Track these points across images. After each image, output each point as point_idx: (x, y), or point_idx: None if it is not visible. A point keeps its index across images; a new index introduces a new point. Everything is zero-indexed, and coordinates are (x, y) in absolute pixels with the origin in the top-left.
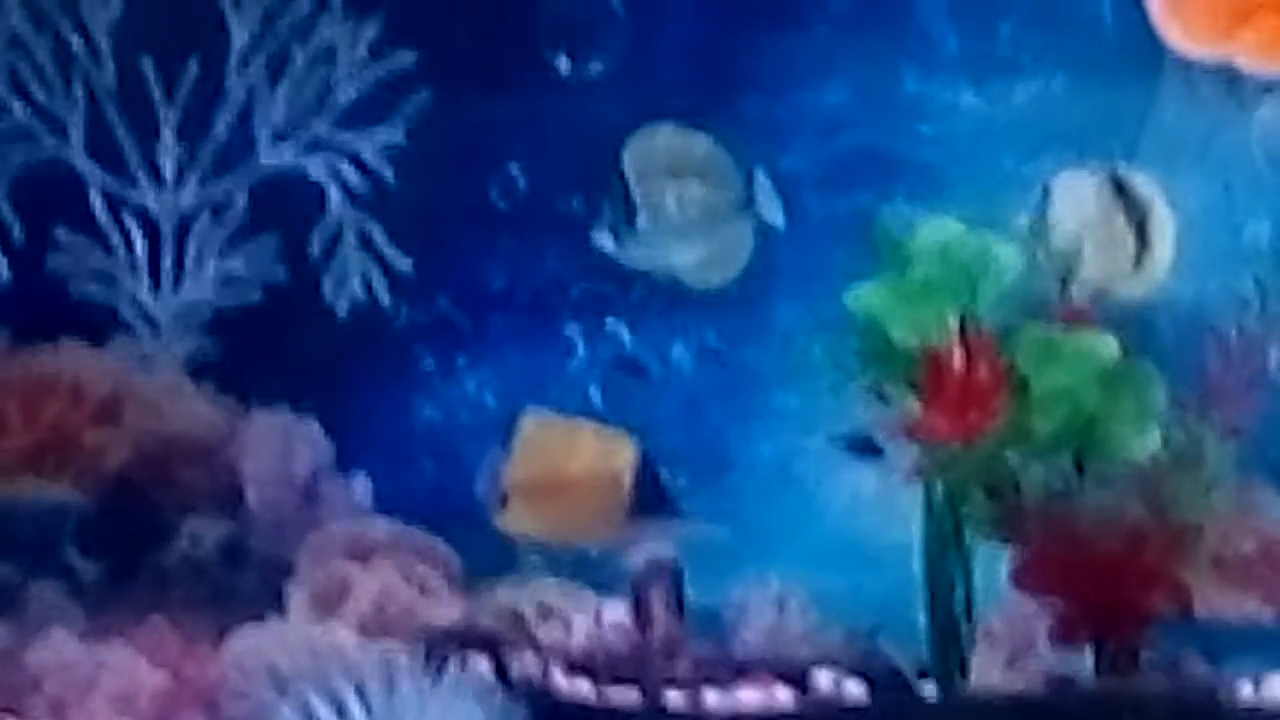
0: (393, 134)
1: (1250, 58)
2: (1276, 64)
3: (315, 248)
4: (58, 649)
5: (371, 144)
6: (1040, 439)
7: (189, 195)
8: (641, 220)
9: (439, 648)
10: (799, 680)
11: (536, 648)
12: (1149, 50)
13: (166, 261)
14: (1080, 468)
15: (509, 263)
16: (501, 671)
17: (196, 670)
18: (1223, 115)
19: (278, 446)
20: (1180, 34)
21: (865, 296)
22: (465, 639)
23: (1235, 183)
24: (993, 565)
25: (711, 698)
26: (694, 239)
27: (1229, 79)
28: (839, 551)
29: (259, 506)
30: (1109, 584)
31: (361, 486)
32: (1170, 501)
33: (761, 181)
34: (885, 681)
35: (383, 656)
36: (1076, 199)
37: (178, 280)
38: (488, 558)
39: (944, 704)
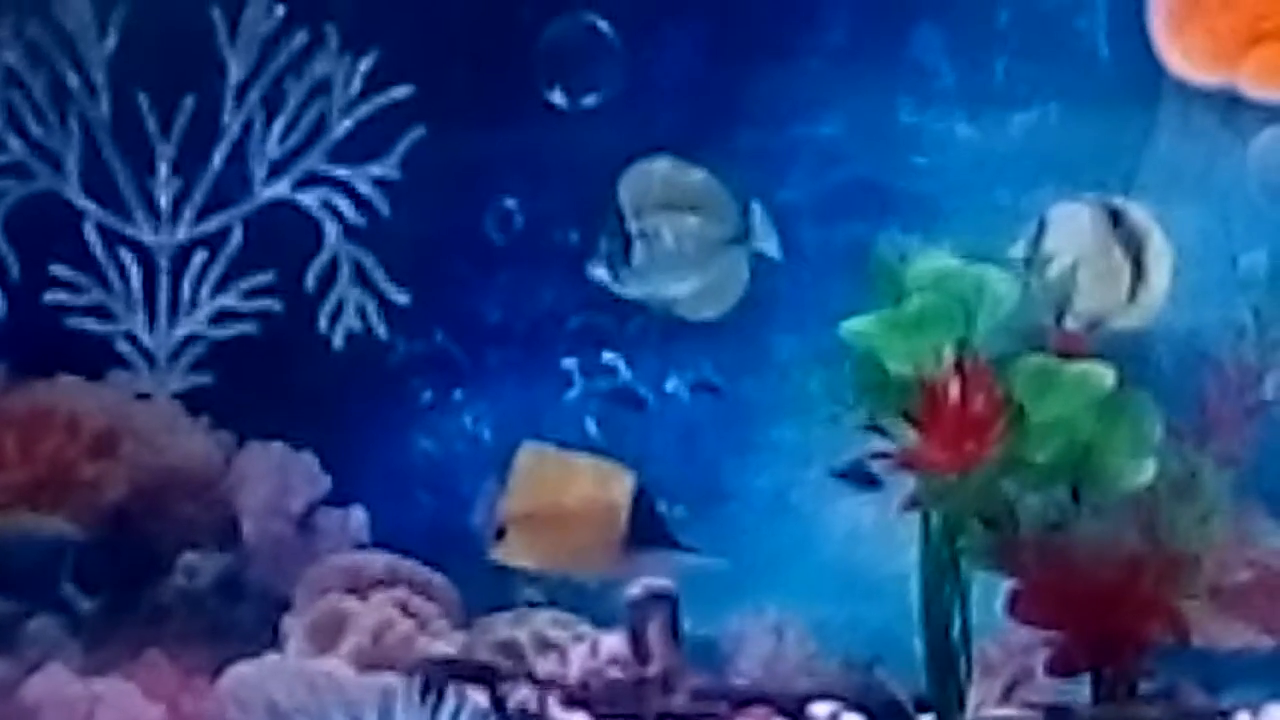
0: (388, 168)
1: (1253, 84)
2: (1275, 91)
3: (311, 281)
4: (55, 683)
5: (367, 178)
6: (1037, 469)
7: (185, 229)
8: (637, 253)
9: (436, 680)
10: (796, 712)
11: (534, 680)
12: (1144, 81)
13: (162, 296)
14: (1077, 498)
15: (505, 296)
16: (499, 704)
17: (194, 704)
18: (1219, 146)
19: (274, 480)
20: (1182, 60)
21: (861, 328)
22: (462, 671)
23: (1231, 213)
24: (990, 595)
25: None
26: (690, 271)
27: (1225, 110)
28: (836, 582)
29: (255, 540)
30: (1106, 614)
31: (358, 519)
32: (1167, 531)
33: (757, 213)
34: (883, 713)
35: (380, 689)
36: (1072, 230)
37: (174, 314)
38: (485, 590)
39: None
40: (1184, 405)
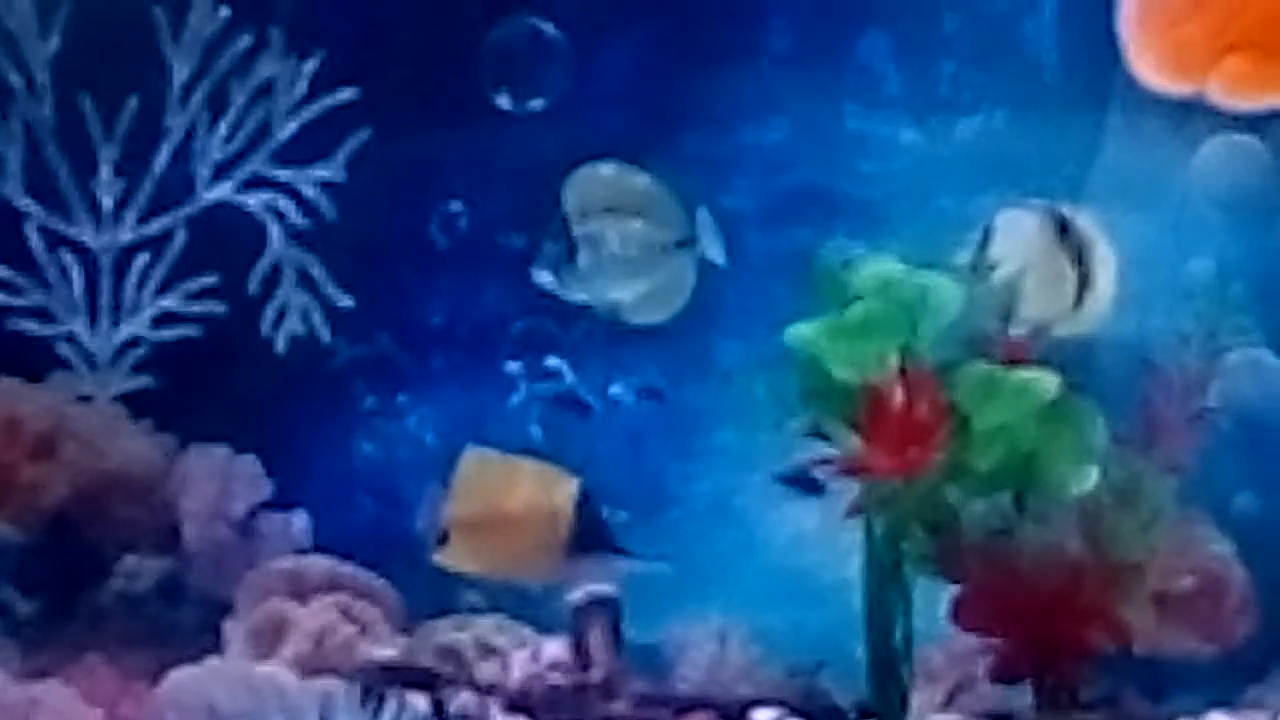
0: (333, 170)
1: (1222, 94)
2: (1245, 101)
3: (254, 284)
4: None
5: (311, 180)
6: (980, 476)
7: (127, 231)
8: (582, 257)
9: (377, 685)
10: (739, 718)
11: (475, 686)
12: (1091, 88)
13: (104, 298)
14: (1020, 504)
15: (449, 299)
16: (440, 709)
17: (133, 709)
18: (1164, 154)
19: (216, 483)
20: (1153, 70)
21: (806, 334)
22: (404, 677)
23: (1177, 220)
24: (933, 602)
25: None
26: (635, 276)
27: (1171, 117)
28: (779, 588)
29: (197, 544)
30: (1049, 620)
31: (300, 524)
32: (1110, 538)
33: (703, 219)
34: (825, 719)
35: (321, 694)
36: (1018, 236)
37: (116, 316)
38: (427, 595)
39: None
40: (1128, 412)
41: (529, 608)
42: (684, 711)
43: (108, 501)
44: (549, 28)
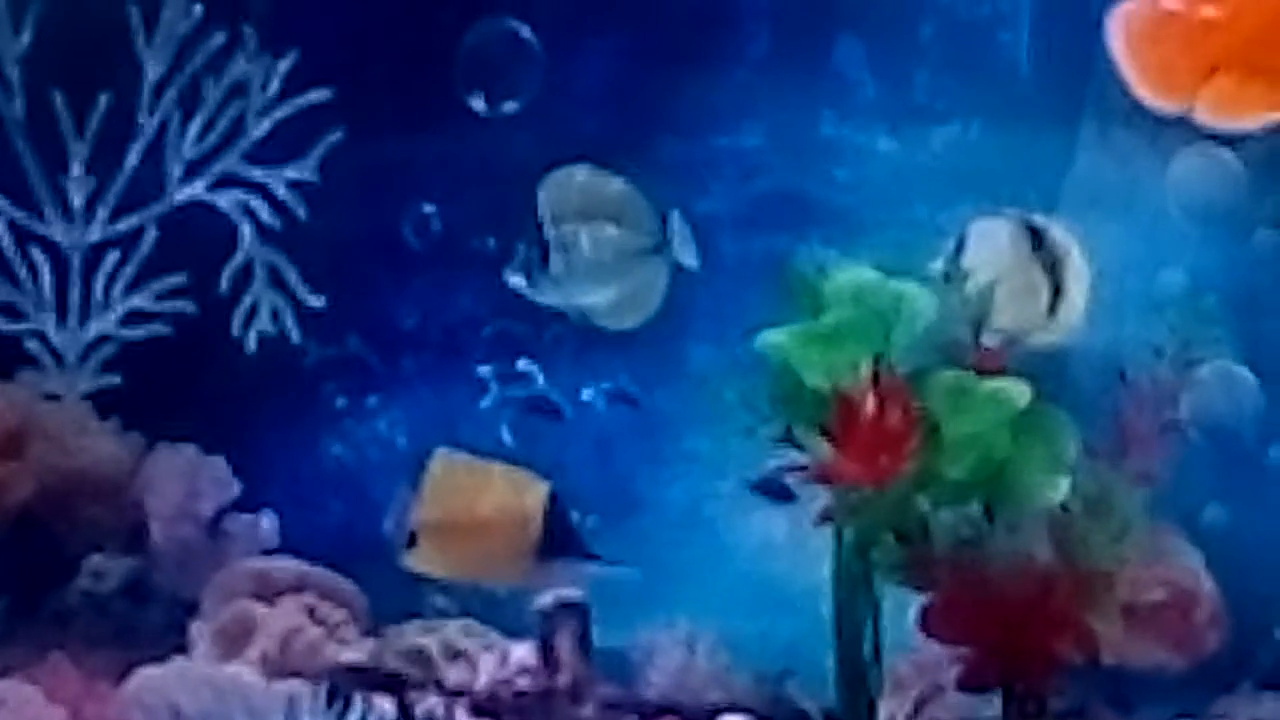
0: (305, 170)
1: (1210, 114)
2: (1232, 121)
3: (225, 284)
4: None
5: (284, 180)
6: (951, 485)
7: (98, 229)
8: (555, 261)
9: (344, 687)
10: None
11: (442, 689)
12: (1066, 98)
13: (74, 295)
14: (990, 514)
15: (421, 301)
16: (406, 712)
17: (97, 709)
18: (1138, 165)
19: (183, 483)
20: (1142, 86)
21: (778, 340)
22: (370, 679)
23: (1150, 231)
24: (902, 611)
25: None
26: (608, 280)
27: (1145, 129)
28: (748, 595)
29: (163, 543)
30: (1018, 630)
31: (268, 525)
32: (1080, 549)
33: (676, 224)
34: None
35: (287, 696)
36: (992, 245)
37: (85, 314)
38: (395, 598)
39: None
40: (1100, 423)
41: (497, 611)
42: (651, 717)
43: (75, 500)
44: (524, 30)
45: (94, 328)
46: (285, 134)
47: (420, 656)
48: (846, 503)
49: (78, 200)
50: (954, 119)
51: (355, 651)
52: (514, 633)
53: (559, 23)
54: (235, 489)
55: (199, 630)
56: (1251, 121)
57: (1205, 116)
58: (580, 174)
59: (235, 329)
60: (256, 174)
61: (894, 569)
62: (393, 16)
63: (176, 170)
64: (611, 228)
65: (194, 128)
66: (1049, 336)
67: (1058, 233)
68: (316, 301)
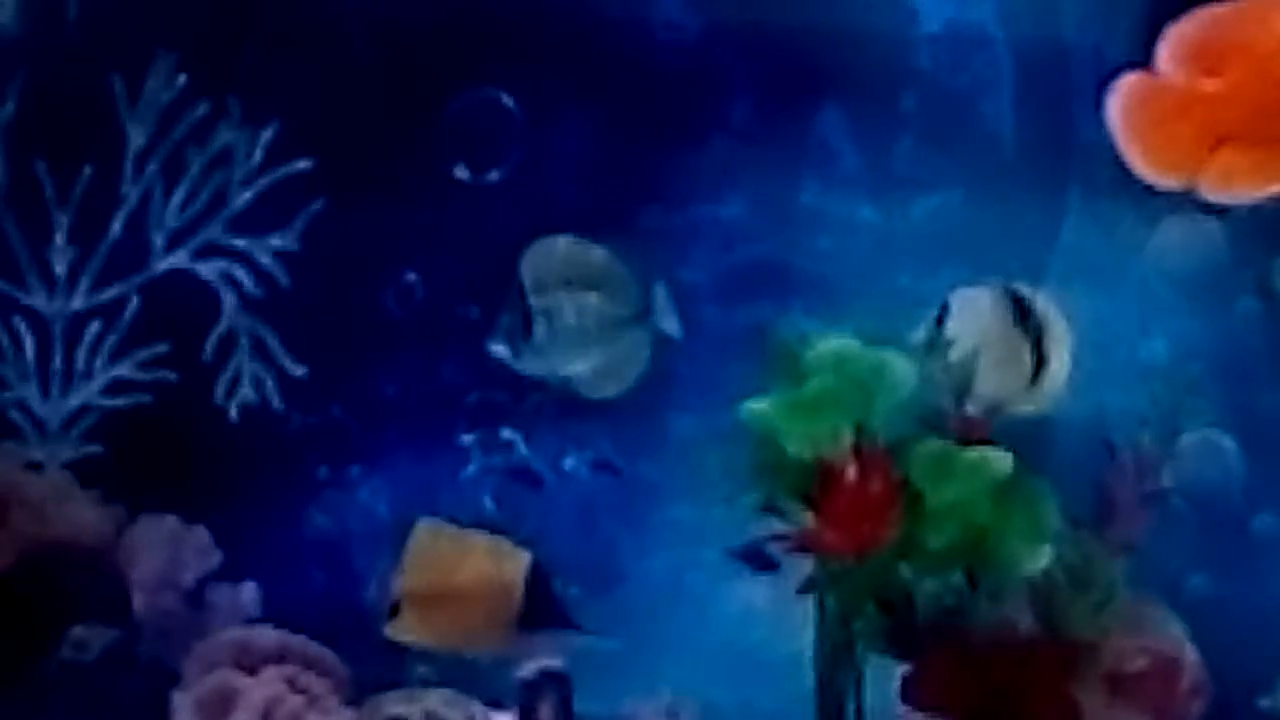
0: (288, 240)
1: (1214, 188)
2: (1238, 194)
3: (208, 353)
4: None
5: (267, 249)
6: (933, 554)
7: (80, 298)
8: (538, 330)
9: None
10: None
11: None
12: (1049, 167)
13: (56, 364)
14: (973, 583)
15: (404, 371)
16: None
17: None
18: (1120, 234)
19: (165, 553)
20: (1143, 165)
21: (760, 409)
22: None
23: (1133, 300)
24: (884, 679)
25: None
26: (590, 349)
27: (1128, 198)
28: (731, 664)
29: (145, 613)
30: (1000, 700)
31: (250, 594)
32: (1063, 618)
33: (659, 293)
34: None
35: None
36: (974, 314)
37: (67, 383)
38: (377, 668)
39: None
40: (1082, 492)
41: (479, 681)
42: None
43: (56, 570)
44: (507, 100)
45: (76, 397)
46: (268, 203)
47: None
48: (829, 572)
49: (60, 269)
50: (936, 188)
51: None
52: (496, 702)
53: (542, 92)
54: (217, 558)
55: (180, 701)
56: (1258, 193)
57: (1210, 190)
58: (563, 243)
59: (218, 398)
60: (239, 243)
61: (876, 638)
62: (376, 86)
63: (159, 240)
64: (594, 297)
65: (177, 197)
66: (1031, 406)
67: (1040, 302)
68: (299, 371)
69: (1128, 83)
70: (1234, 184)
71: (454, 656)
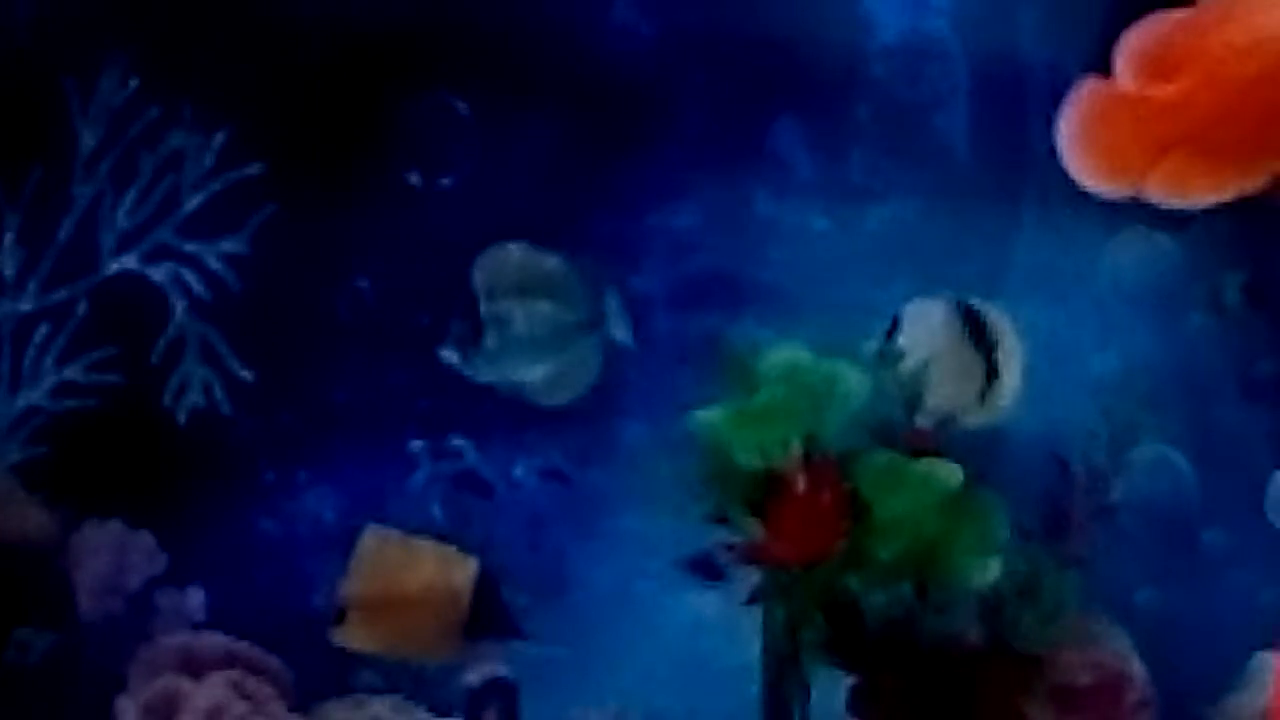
0: (239, 244)
1: (1160, 193)
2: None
3: (156, 356)
4: None
5: (217, 253)
6: (881, 565)
7: (29, 300)
8: (489, 337)
9: None
10: None
11: None
12: (1002, 179)
13: (3, 366)
14: (921, 595)
15: (353, 376)
16: None
17: None
18: (1075, 247)
19: (111, 557)
20: (1091, 169)
21: (711, 419)
22: None
23: (1084, 314)
24: (831, 690)
25: None
26: (542, 357)
27: (1080, 211)
28: (678, 674)
29: (90, 617)
30: (948, 713)
31: (195, 599)
32: (1011, 631)
33: (611, 301)
34: None
35: None
36: (926, 327)
37: (14, 385)
38: (322, 674)
39: None
40: (1032, 505)
41: (426, 689)
42: None
43: (0, 572)
44: (460, 106)
45: (23, 399)
46: (219, 207)
47: None
48: (777, 582)
49: (9, 271)
50: (890, 199)
51: None
52: (442, 710)
53: (495, 99)
54: (163, 563)
55: (125, 705)
56: (1200, 200)
57: (1155, 196)
58: (515, 250)
59: (166, 402)
60: (190, 247)
61: (824, 649)
62: (328, 91)
63: (109, 242)
64: (546, 304)
65: (128, 200)
66: (982, 418)
67: (993, 314)
68: (248, 375)
69: (1083, 90)
70: (1179, 191)
71: (401, 664)
